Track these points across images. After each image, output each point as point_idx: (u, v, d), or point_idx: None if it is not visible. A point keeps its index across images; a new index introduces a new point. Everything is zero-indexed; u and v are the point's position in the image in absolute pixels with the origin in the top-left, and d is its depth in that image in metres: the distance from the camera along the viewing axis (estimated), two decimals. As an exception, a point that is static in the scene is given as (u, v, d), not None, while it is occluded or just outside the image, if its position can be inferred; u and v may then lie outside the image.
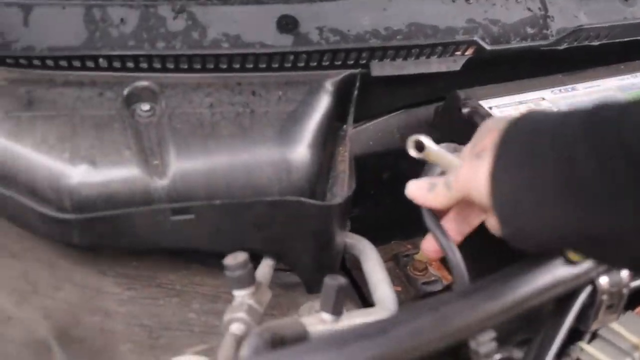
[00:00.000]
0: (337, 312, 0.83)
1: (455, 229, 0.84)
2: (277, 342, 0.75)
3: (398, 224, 1.30)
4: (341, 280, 0.81)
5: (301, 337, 0.79)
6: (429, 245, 0.85)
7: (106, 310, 0.92)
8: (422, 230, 1.33)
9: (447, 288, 1.23)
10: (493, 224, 0.74)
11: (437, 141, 1.13)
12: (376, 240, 1.31)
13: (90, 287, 0.94)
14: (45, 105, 0.98)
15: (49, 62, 1.01)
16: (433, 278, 1.24)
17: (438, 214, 0.84)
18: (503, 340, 0.82)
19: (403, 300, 1.20)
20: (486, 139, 0.70)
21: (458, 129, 1.06)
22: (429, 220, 0.84)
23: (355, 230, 1.25)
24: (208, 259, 1.08)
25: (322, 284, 0.82)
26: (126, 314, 0.92)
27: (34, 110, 0.97)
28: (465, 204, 0.80)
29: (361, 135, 1.18)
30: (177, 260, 1.05)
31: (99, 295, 0.94)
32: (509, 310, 0.72)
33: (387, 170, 1.24)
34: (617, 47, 1.20)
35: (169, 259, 1.05)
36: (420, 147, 0.81)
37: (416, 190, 0.84)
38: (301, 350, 0.66)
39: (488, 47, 1.08)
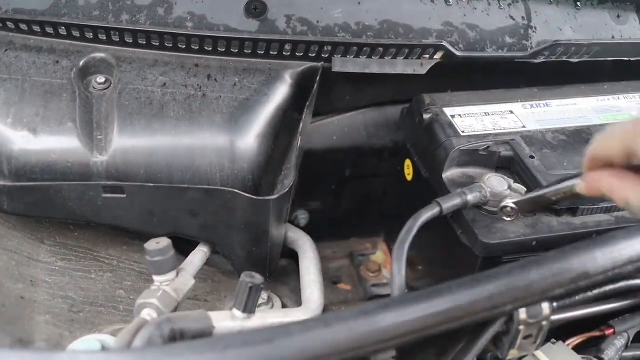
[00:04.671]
0: (249, 309, 0.81)
1: None
2: (177, 334, 0.75)
3: (359, 222, 1.28)
4: (257, 279, 0.80)
5: (205, 333, 0.79)
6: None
7: (33, 279, 0.92)
8: (382, 231, 1.32)
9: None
10: None
11: (401, 143, 1.11)
12: (336, 236, 1.30)
13: (22, 254, 0.94)
14: (0, 67, 0.98)
15: (10, 25, 1.00)
16: (385, 281, 1.20)
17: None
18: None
19: (350, 300, 1.19)
20: None
21: (418, 134, 1.02)
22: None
23: (315, 223, 1.24)
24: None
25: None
26: (52, 284, 0.93)
27: (-13, 72, 0.97)
28: None
29: (325, 129, 1.15)
30: (121, 235, 1.05)
31: (30, 262, 0.94)
32: (407, 334, 0.70)
33: (350, 167, 1.20)
34: (601, 66, 1.13)
35: (113, 233, 1.04)
36: None
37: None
38: (180, 348, 0.65)
39: (458, 53, 1.03)
